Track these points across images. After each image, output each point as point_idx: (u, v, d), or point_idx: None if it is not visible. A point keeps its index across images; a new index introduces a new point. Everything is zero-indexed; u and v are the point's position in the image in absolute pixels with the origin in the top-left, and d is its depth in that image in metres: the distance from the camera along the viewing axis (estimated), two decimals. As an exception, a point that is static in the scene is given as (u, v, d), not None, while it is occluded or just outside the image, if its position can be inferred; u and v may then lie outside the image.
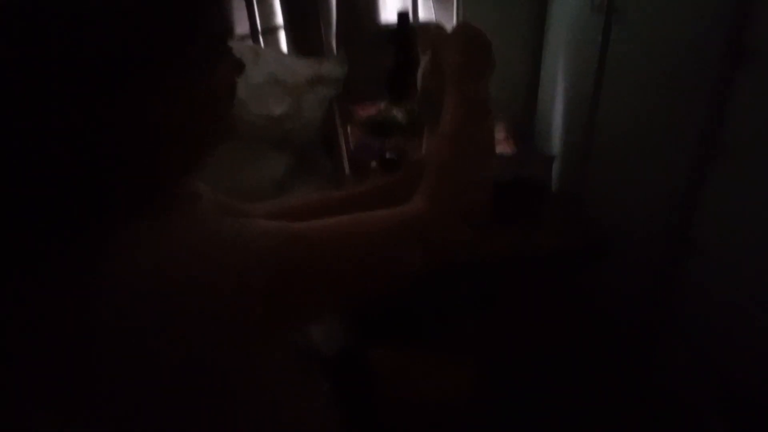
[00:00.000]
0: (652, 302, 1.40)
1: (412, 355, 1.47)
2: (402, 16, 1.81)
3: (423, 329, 1.53)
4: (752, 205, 1.06)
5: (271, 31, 2.07)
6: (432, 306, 1.52)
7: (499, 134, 1.75)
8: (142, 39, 0.48)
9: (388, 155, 1.51)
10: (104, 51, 0.46)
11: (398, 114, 1.70)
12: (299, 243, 0.55)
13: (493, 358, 1.45)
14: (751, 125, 1.05)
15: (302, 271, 0.55)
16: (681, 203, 1.23)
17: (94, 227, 0.49)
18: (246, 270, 0.50)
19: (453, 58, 0.74)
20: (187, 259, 0.49)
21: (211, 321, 0.48)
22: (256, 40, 2.01)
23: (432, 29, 0.84)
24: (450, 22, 2.03)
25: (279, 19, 2.06)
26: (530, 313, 1.55)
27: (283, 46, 2.11)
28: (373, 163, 1.48)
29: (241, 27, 1.97)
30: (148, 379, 0.47)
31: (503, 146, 1.68)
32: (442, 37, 0.79)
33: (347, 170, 1.53)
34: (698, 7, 1.15)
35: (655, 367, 1.45)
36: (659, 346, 1.42)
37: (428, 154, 0.72)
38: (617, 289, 1.57)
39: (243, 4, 1.93)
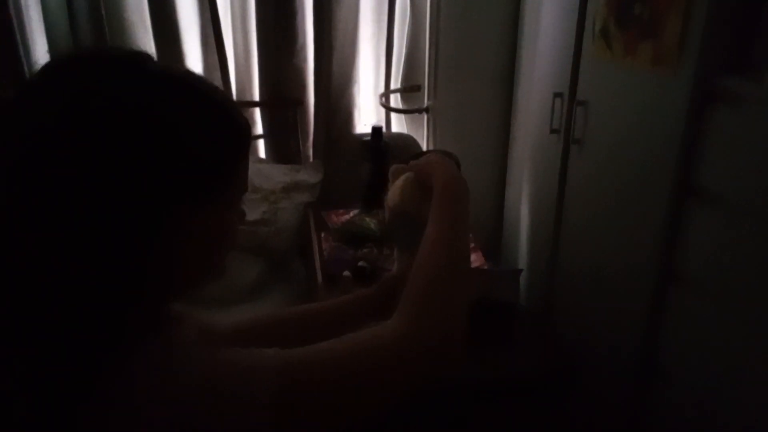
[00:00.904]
0: (619, 425, 1.40)
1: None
2: (376, 130, 1.94)
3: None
4: (710, 328, 1.11)
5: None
6: (402, 427, 1.49)
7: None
8: (195, 189, 0.55)
9: (360, 263, 1.55)
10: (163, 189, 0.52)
11: (371, 223, 1.77)
12: (295, 372, 0.57)
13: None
14: (701, 254, 1.13)
15: (303, 399, 0.56)
16: (643, 325, 1.27)
17: (104, 353, 0.51)
18: (249, 407, 0.53)
19: (445, 182, 0.77)
20: (193, 399, 0.51)
21: None
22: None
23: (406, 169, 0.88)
24: (421, 137, 2.16)
25: (259, 128, 2.16)
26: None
27: (262, 153, 2.20)
28: (346, 272, 1.51)
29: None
30: None
31: (473, 258, 1.74)
32: (431, 163, 0.84)
33: (320, 278, 1.56)
34: (647, 137, 1.26)
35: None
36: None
37: (404, 272, 0.73)
38: (586, 410, 1.57)
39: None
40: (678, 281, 1.20)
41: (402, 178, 0.89)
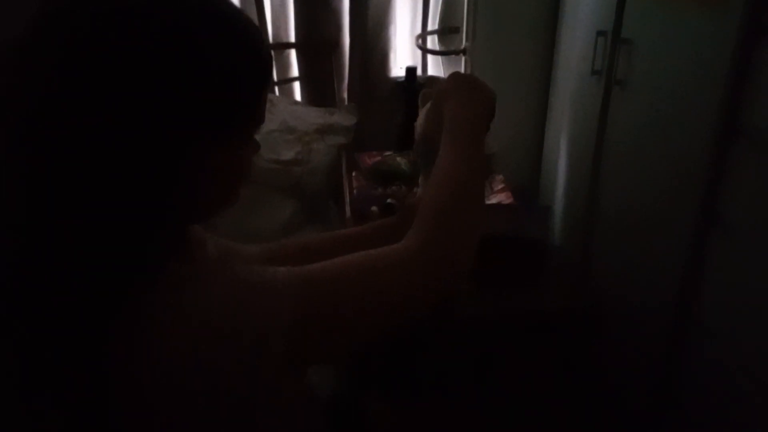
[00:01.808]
0: (651, 370, 1.38)
1: (408, 408, 1.46)
2: (410, 70, 1.91)
3: (421, 385, 1.53)
4: (752, 276, 1.07)
5: (286, 81, 2.16)
6: (431, 364, 1.52)
7: (499, 185, 1.79)
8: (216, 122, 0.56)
9: (388, 201, 1.55)
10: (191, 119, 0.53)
11: (402, 162, 1.76)
12: (313, 285, 0.59)
13: (489, 420, 1.44)
14: (746, 198, 1.08)
15: (319, 312, 0.58)
16: (681, 272, 1.24)
17: (135, 276, 0.53)
18: (269, 319, 0.54)
19: (454, 107, 0.77)
20: (216, 314, 0.54)
21: (238, 366, 0.53)
22: (271, 90, 2.09)
23: (437, 83, 0.87)
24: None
25: (295, 71, 2.15)
26: (528, 376, 1.53)
27: (297, 96, 2.19)
28: (374, 208, 1.51)
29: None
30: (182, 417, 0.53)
31: (502, 197, 1.72)
32: (445, 87, 0.82)
33: (348, 213, 1.57)
34: (693, 77, 1.20)
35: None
36: (660, 415, 1.39)
37: (423, 196, 0.74)
38: (616, 353, 1.56)
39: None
40: (720, 226, 1.16)
41: (427, 105, 0.89)
